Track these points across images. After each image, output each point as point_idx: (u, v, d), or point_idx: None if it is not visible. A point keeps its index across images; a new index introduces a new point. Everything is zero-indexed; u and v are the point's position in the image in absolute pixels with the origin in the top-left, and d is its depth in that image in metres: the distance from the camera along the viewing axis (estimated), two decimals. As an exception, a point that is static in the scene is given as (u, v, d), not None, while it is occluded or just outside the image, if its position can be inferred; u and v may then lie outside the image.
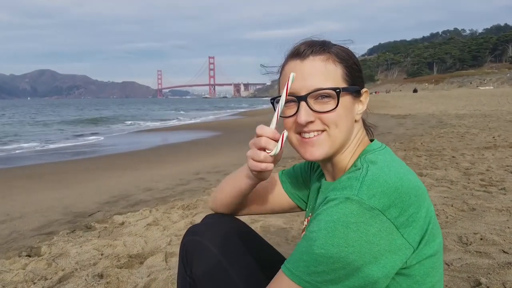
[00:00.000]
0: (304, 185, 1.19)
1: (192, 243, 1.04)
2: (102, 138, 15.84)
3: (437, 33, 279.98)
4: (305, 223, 1.11)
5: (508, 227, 2.86)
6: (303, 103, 0.89)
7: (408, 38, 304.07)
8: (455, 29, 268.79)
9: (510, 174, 4.74)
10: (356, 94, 0.94)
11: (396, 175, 0.83)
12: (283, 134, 0.93)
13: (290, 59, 0.93)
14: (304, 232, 1.02)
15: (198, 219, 3.63)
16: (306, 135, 0.92)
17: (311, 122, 0.90)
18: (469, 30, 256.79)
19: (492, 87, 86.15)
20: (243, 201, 1.18)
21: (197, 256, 1.02)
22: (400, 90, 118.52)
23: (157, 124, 24.58)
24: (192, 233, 1.09)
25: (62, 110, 58.80)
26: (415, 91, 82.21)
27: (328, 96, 0.89)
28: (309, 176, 1.18)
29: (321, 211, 0.81)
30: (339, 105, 0.89)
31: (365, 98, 0.97)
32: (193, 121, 26.72)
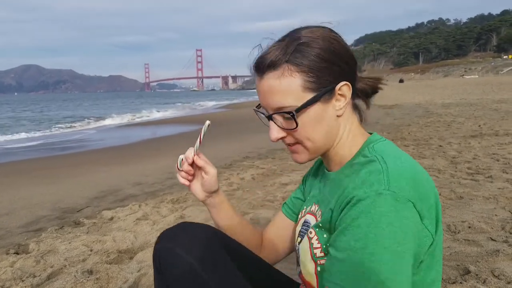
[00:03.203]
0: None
1: (165, 250, 0.93)
2: (92, 132, 15.68)
3: (422, 23, 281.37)
4: (309, 210, 1.02)
5: (496, 215, 2.90)
6: (270, 122, 0.89)
7: (394, 28, 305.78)
8: (440, 18, 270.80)
9: (496, 162, 4.81)
10: (329, 94, 0.84)
11: (411, 165, 0.81)
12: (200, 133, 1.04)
13: (254, 70, 0.88)
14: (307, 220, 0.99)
15: (188, 213, 3.61)
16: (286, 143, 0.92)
17: (284, 137, 0.89)
18: (453, 19, 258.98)
19: (477, 76, 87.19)
20: (254, 242, 1.15)
21: (170, 264, 0.90)
22: (387, 80, 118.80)
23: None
24: (165, 239, 0.97)
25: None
26: (401, 81, 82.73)
27: (289, 114, 0.84)
28: (305, 181, 1.15)
29: (353, 215, 0.74)
30: (302, 121, 0.84)
31: (344, 91, 0.87)
32: (180, 114, 26.52)
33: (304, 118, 0.84)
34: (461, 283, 1.93)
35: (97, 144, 11.42)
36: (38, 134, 16.03)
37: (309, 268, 0.88)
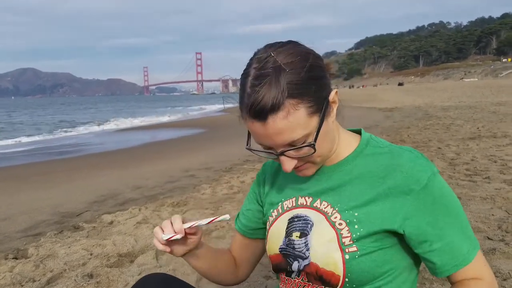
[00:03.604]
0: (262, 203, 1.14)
1: None
2: (90, 136, 15.69)
3: (423, 26, 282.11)
4: (296, 204, 1.01)
5: (492, 215, 2.94)
6: (282, 157, 0.88)
7: (395, 32, 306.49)
8: (441, 21, 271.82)
9: (494, 163, 4.84)
10: (327, 108, 0.85)
11: None
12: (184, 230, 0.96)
13: (249, 116, 0.82)
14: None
15: (188, 216, 3.62)
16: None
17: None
18: (454, 23, 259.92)
19: (476, 79, 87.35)
20: (229, 269, 1.15)
21: None
22: (387, 84, 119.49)
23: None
24: None
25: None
26: (400, 84, 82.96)
27: (310, 145, 0.85)
28: (264, 186, 1.12)
29: (433, 193, 0.87)
30: (317, 145, 0.85)
31: (335, 98, 0.88)
32: (178, 118, 26.53)
33: (318, 141, 0.85)
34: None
35: (96, 148, 11.44)
36: (36, 138, 16.05)
37: (334, 257, 0.89)
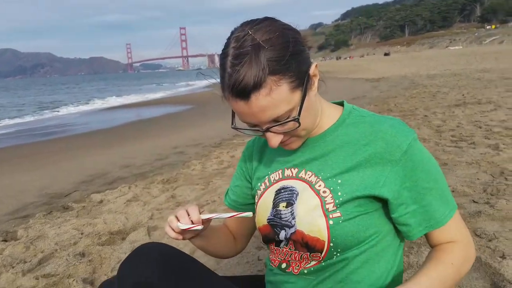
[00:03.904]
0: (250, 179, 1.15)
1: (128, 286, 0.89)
2: (74, 116, 15.41)
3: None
4: (283, 176, 1.02)
5: (478, 179, 3.00)
6: (268, 133, 0.88)
7: (380, 1, 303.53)
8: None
9: (478, 129, 4.91)
10: (308, 82, 0.86)
11: None
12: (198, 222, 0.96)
13: (232, 96, 0.82)
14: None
15: (178, 193, 3.61)
16: None
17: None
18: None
19: (461, 47, 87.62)
20: (228, 244, 1.18)
21: None
22: (374, 54, 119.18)
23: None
24: (123, 276, 0.92)
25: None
26: (386, 54, 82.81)
27: (294, 120, 0.86)
28: (251, 161, 1.13)
29: (413, 157, 0.89)
30: (301, 119, 0.86)
31: (315, 71, 0.88)
32: (166, 95, 26.19)
33: (302, 115, 0.86)
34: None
35: (81, 128, 11.25)
36: (18, 120, 15.65)
37: (318, 224, 0.91)
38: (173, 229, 0.97)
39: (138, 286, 0.87)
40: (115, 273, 1.81)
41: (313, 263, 0.95)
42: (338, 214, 0.89)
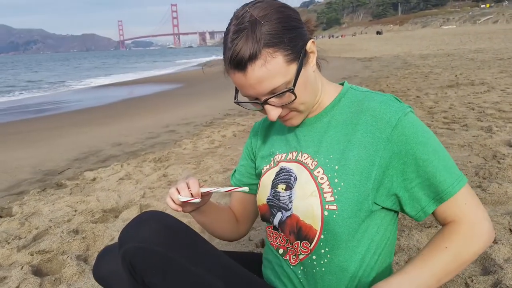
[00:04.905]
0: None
1: (131, 251, 0.90)
2: (67, 94, 15.20)
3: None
4: (284, 158, 1.04)
5: (470, 162, 3.00)
6: (267, 106, 0.92)
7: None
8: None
9: (471, 110, 4.93)
10: (304, 57, 0.89)
11: None
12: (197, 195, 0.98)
13: (231, 69, 0.87)
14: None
15: (170, 171, 3.63)
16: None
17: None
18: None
19: (454, 26, 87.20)
20: (230, 224, 1.19)
21: (142, 260, 0.89)
22: (366, 33, 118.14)
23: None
24: (126, 240, 0.95)
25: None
26: (378, 33, 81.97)
27: (289, 91, 0.88)
28: (256, 140, 1.16)
29: (405, 132, 0.88)
30: (298, 91, 0.89)
31: (312, 47, 0.92)
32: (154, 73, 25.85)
33: (298, 88, 0.88)
34: (436, 226, 2.04)
35: (74, 106, 11.13)
36: (11, 98, 15.37)
37: (313, 211, 0.92)
38: (173, 201, 1.01)
39: (140, 250, 0.90)
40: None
41: (301, 256, 0.96)
42: (334, 207, 0.89)
